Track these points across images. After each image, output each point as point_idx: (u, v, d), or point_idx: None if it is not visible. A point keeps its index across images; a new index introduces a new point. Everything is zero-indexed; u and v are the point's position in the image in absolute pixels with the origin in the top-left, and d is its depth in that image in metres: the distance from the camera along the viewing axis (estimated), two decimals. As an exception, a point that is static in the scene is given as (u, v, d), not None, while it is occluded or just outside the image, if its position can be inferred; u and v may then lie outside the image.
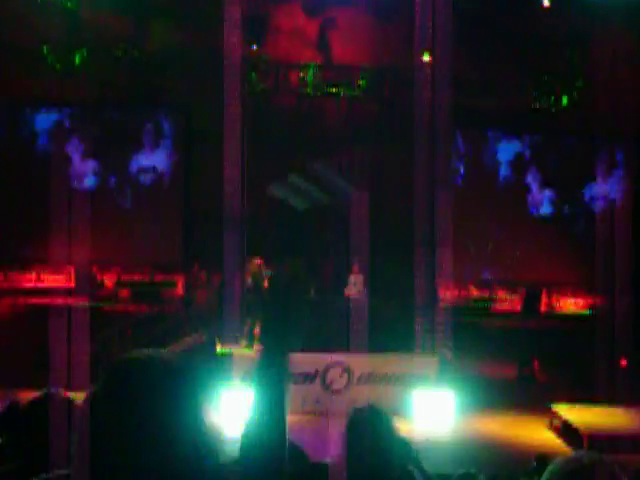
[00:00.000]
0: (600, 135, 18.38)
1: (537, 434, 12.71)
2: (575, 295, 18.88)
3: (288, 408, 2.29)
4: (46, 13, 16.85)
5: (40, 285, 18.03)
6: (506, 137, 18.84)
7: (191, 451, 2.13)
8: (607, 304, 18.04)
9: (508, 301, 18.72)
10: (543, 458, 7.57)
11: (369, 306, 15.61)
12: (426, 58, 17.25)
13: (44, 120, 18.12)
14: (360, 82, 17.60)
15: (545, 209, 19.00)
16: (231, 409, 12.62)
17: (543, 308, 18.35)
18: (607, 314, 17.33)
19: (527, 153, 18.92)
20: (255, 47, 17.04)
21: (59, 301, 17.12)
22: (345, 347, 13.73)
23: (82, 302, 16.87)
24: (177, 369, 2.18)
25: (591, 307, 18.59)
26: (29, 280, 18.16)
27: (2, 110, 18.16)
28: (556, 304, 18.80)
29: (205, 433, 2.17)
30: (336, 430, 3.73)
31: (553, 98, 18.05)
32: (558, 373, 15.95)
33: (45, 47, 17.07)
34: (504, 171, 19.00)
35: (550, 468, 2.15)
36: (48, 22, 16.96)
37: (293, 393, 13.33)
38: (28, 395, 3.09)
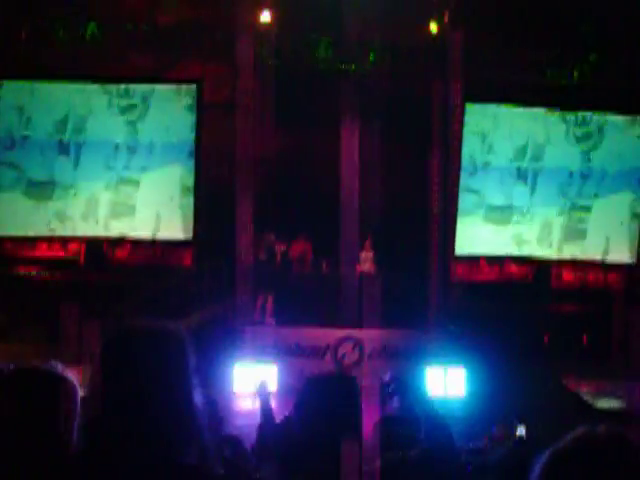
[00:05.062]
0: (612, 108, 18.26)
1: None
2: (586, 270, 18.80)
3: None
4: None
5: (49, 255, 17.97)
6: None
7: (184, 418, 2.14)
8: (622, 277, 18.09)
9: (519, 276, 18.66)
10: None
11: (381, 282, 15.59)
12: (435, 30, 17.18)
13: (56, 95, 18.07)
14: (370, 57, 17.44)
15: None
16: (243, 384, 12.67)
17: (554, 283, 18.33)
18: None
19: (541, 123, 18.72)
20: (266, 20, 16.90)
21: (69, 276, 17.17)
22: (357, 322, 13.73)
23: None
24: (170, 338, 2.20)
25: (604, 281, 18.54)
26: (39, 250, 18.12)
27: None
28: (568, 279, 18.74)
29: (194, 403, 2.18)
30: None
31: (565, 71, 17.91)
32: (570, 347, 15.97)
33: (56, 21, 16.99)
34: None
35: (557, 444, 1.85)
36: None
37: (305, 367, 13.34)
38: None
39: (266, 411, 6.03)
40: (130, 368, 2.20)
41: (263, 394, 6.24)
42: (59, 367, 2.92)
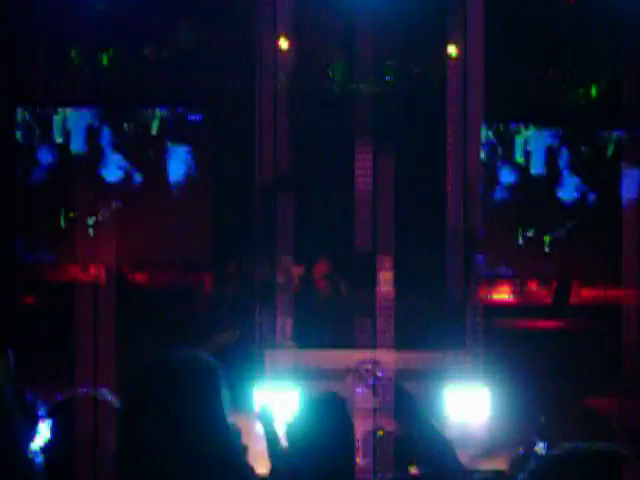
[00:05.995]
0: (630, 126, 18.22)
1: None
2: (606, 287, 18.75)
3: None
4: (75, 14, 16.87)
5: (68, 278, 18.07)
6: (535, 130, 18.67)
7: (224, 447, 2.16)
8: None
9: (539, 295, 18.61)
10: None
11: (398, 303, 15.56)
12: (453, 51, 17.17)
13: (73, 121, 18.18)
14: (387, 78, 17.47)
15: (576, 202, 18.82)
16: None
17: (573, 301, 18.28)
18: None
19: (556, 145, 18.73)
20: (282, 44, 16.94)
21: (87, 298, 17.19)
22: (376, 344, 13.70)
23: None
24: (207, 369, 2.21)
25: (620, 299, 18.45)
26: (57, 275, 18.20)
27: (31, 112, 18.22)
28: (587, 297, 18.68)
29: (232, 431, 2.20)
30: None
31: (582, 90, 17.90)
32: (589, 369, 15.88)
33: (73, 49, 17.11)
34: (534, 164, 18.80)
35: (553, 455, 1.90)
36: (76, 23, 17.00)
37: (325, 389, 13.31)
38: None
39: (271, 436, 5.68)
40: (167, 401, 2.19)
41: (266, 418, 5.81)
42: (106, 394, 2.98)
